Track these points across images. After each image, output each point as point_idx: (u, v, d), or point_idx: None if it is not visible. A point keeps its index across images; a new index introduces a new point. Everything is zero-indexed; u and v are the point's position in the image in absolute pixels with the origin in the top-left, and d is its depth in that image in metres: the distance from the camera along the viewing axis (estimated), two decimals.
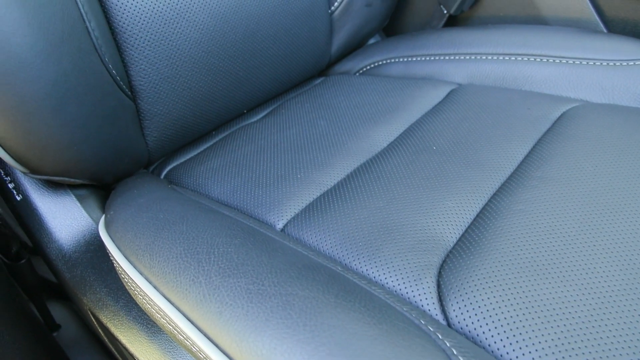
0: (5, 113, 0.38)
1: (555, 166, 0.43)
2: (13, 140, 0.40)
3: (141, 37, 0.48)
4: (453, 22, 0.75)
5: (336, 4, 0.69)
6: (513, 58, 0.61)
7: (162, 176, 0.57)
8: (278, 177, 0.49)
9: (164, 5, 0.49)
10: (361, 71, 0.73)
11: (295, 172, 0.49)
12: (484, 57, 0.63)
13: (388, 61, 0.71)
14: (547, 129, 0.50)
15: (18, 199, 0.46)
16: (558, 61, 0.58)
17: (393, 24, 0.83)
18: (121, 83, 0.47)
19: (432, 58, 0.67)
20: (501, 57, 0.61)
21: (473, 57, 0.63)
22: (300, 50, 0.66)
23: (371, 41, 0.84)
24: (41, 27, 0.37)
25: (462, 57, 0.64)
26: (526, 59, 0.60)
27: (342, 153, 0.51)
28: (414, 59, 0.68)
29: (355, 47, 0.78)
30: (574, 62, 0.57)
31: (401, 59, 0.69)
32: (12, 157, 0.41)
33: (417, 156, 0.48)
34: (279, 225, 0.43)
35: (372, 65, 0.72)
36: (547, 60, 0.59)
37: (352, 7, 0.70)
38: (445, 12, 0.71)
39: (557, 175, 0.42)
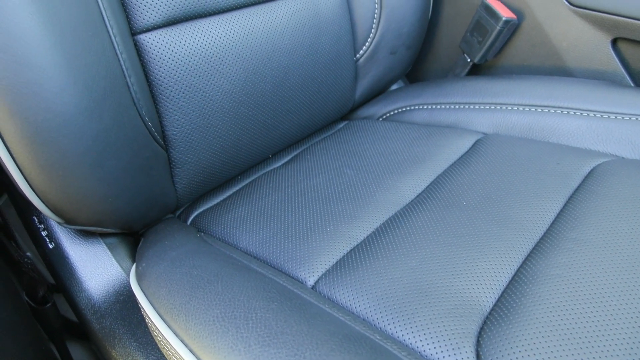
0: (46, 168, 0.38)
1: (590, 227, 0.42)
2: (52, 193, 0.40)
3: (176, 89, 0.49)
4: (476, 70, 0.76)
5: (361, 51, 0.70)
6: (539, 109, 0.61)
7: (189, 222, 0.58)
8: (307, 229, 0.49)
9: (199, 58, 0.50)
10: (384, 117, 0.74)
11: (324, 224, 0.49)
12: (510, 108, 0.63)
13: (412, 108, 0.71)
14: (577, 185, 0.50)
15: (50, 246, 0.47)
16: (585, 114, 0.58)
17: (416, 70, 0.84)
18: (155, 134, 0.48)
19: (457, 106, 0.67)
20: (527, 108, 0.62)
21: (499, 107, 0.64)
22: (326, 96, 0.67)
23: (394, 87, 0.85)
24: (86, 86, 0.38)
25: (488, 107, 0.65)
26: (552, 111, 0.60)
27: (370, 205, 0.51)
28: (439, 106, 0.69)
29: (378, 92, 0.79)
30: (601, 115, 0.57)
31: (425, 106, 0.70)
32: (49, 208, 0.42)
33: (448, 211, 0.48)
34: (310, 281, 0.42)
35: (396, 111, 0.73)
36: (574, 113, 0.59)
37: (377, 55, 0.71)
38: (469, 60, 0.72)
39: (593, 237, 0.41)
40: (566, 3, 0.64)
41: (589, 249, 0.40)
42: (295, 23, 0.59)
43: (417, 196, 0.53)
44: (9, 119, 0.35)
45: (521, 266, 0.40)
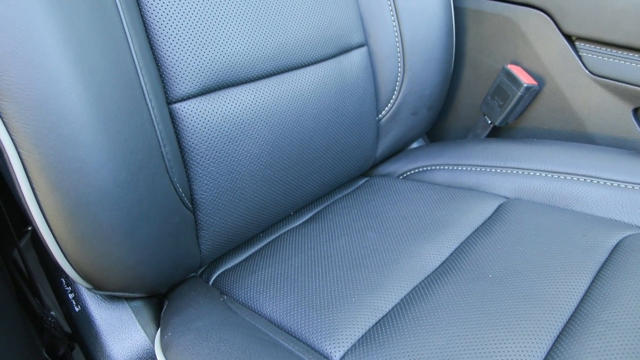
0: (81, 239, 0.39)
1: (620, 309, 0.42)
2: (84, 261, 0.41)
3: (207, 155, 0.50)
4: (497, 132, 0.77)
5: (384, 111, 0.71)
6: (562, 177, 0.61)
7: (211, 281, 0.58)
8: (332, 298, 0.48)
9: (230, 125, 0.51)
10: (405, 175, 0.75)
11: (349, 293, 0.49)
12: (532, 173, 0.63)
13: (433, 168, 0.72)
14: (604, 260, 0.50)
15: (76, 309, 0.47)
16: (609, 184, 0.58)
17: (436, 128, 0.86)
18: (185, 199, 0.49)
19: (479, 169, 0.68)
20: (549, 175, 0.62)
21: (520, 172, 0.64)
22: (348, 156, 0.68)
23: (414, 145, 0.86)
24: (125, 159, 0.40)
25: (509, 171, 0.65)
26: (575, 178, 0.60)
27: (394, 273, 0.51)
28: (460, 168, 0.69)
29: (399, 150, 0.80)
30: (625, 186, 0.57)
31: (446, 167, 0.71)
32: (80, 275, 0.42)
33: (474, 284, 0.47)
34: (337, 355, 0.42)
35: (416, 170, 0.74)
36: (598, 182, 0.59)
37: (399, 115, 0.73)
38: (489, 122, 0.73)
39: (624, 321, 0.40)
40: (587, 72, 0.65)
41: (621, 333, 0.39)
42: (321, 88, 0.60)
43: (441, 264, 0.53)
44: (51, 194, 0.37)
45: (551, 349, 0.40)
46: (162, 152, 0.44)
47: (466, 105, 0.79)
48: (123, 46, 0.40)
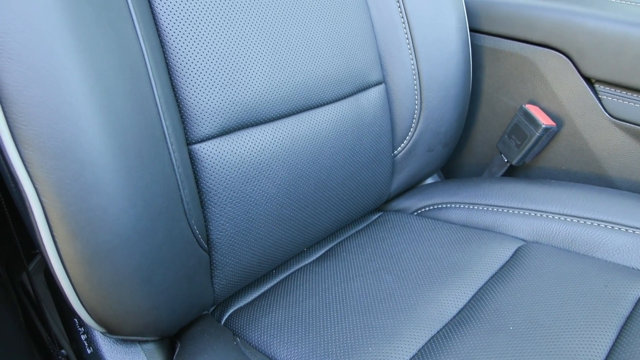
0: (98, 286, 0.39)
1: None
2: (99, 307, 0.40)
3: (225, 196, 0.50)
4: (513, 170, 0.76)
5: (399, 148, 0.71)
6: (582, 221, 0.60)
7: (223, 320, 0.57)
8: (348, 347, 0.47)
9: (248, 166, 0.51)
10: (419, 211, 0.74)
11: (365, 342, 0.48)
12: (550, 216, 0.62)
13: (448, 205, 0.71)
14: (628, 313, 0.48)
15: (88, 351, 0.46)
16: (631, 231, 0.57)
17: (451, 164, 0.85)
18: (201, 240, 0.48)
19: (495, 209, 0.67)
20: (569, 219, 0.61)
21: (539, 215, 0.63)
22: (363, 192, 0.68)
23: (429, 180, 0.85)
24: (145, 206, 0.39)
25: (527, 213, 0.64)
26: (596, 224, 0.59)
27: (412, 321, 0.50)
28: (476, 207, 0.69)
29: (413, 185, 0.79)
30: None
31: (462, 206, 0.70)
32: (94, 320, 0.42)
33: (495, 337, 0.46)
34: None
35: (431, 207, 0.73)
36: (619, 228, 0.58)
37: (415, 151, 0.72)
38: (506, 161, 0.72)
39: None
40: (606, 114, 0.65)
41: None
42: (339, 127, 0.60)
43: (459, 312, 0.51)
44: (71, 242, 0.36)
45: None
46: (181, 195, 0.44)
47: (482, 142, 0.79)
48: (147, 91, 0.40)
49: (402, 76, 0.67)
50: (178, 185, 0.43)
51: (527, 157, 0.70)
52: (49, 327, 0.68)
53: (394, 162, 0.72)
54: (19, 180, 0.34)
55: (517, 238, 0.63)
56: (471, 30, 0.74)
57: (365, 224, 0.74)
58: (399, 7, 0.64)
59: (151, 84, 0.41)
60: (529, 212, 0.64)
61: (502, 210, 0.66)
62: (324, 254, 0.67)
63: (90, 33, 0.35)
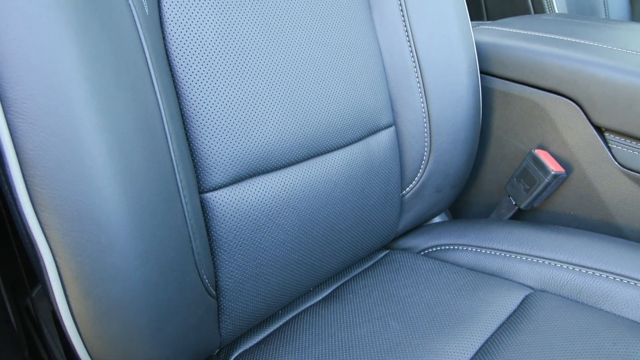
0: (109, 342, 0.39)
1: None
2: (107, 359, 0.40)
3: (234, 244, 0.50)
4: (521, 213, 0.76)
5: (408, 188, 0.71)
6: (590, 272, 0.60)
7: None
8: None
9: (259, 213, 0.51)
10: (426, 252, 0.74)
11: None
12: (559, 265, 0.62)
13: (455, 247, 0.71)
14: None
15: None
16: None
17: (458, 203, 0.85)
18: (210, 288, 0.49)
19: (503, 254, 0.67)
20: (577, 269, 0.61)
21: (547, 262, 0.63)
22: (371, 233, 0.68)
23: (436, 219, 0.85)
24: (157, 262, 0.39)
25: (535, 260, 0.64)
26: (605, 276, 0.59)
27: None
28: (483, 250, 0.69)
29: (420, 224, 0.79)
30: None
31: (469, 248, 0.70)
32: None
33: None
34: None
35: (438, 248, 0.73)
36: (628, 282, 0.58)
37: (423, 192, 0.72)
38: (514, 204, 0.73)
39: None
40: (616, 163, 0.65)
41: None
42: (349, 171, 0.60)
43: None
44: (84, 300, 0.36)
45: None
46: (192, 247, 0.44)
47: (490, 182, 0.79)
48: (163, 146, 0.41)
49: (412, 119, 0.68)
50: (190, 237, 0.44)
51: (536, 202, 0.70)
52: (52, 355, 0.68)
53: (402, 201, 0.72)
54: (35, 242, 0.34)
55: (525, 285, 0.63)
56: (482, 72, 0.75)
57: (371, 262, 0.74)
58: (412, 52, 0.65)
59: (167, 138, 0.41)
60: (537, 259, 0.64)
61: (510, 255, 0.66)
62: (330, 294, 0.67)
63: (110, 95, 0.36)
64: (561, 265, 0.62)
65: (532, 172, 0.69)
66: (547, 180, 0.67)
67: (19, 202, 0.34)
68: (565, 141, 0.68)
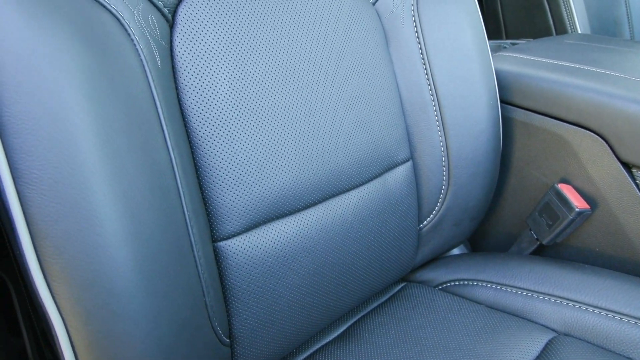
0: None
1: None
2: None
3: (248, 292, 0.49)
4: (542, 247, 0.73)
5: (425, 222, 0.70)
6: (618, 317, 0.58)
7: None
8: None
9: (273, 260, 0.50)
10: (444, 286, 0.72)
11: None
12: (584, 307, 0.60)
13: (474, 283, 0.69)
14: None
15: None
16: None
17: (478, 233, 0.83)
18: (223, 337, 0.48)
19: (525, 293, 0.65)
20: (603, 313, 0.59)
21: (571, 304, 0.61)
22: (388, 269, 0.66)
23: (454, 250, 0.83)
24: (169, 323, 0.39)
25: (559, 301, 0.62)
26: (633, 322, 0.57)
27: None
28: (504, 288, 0.66)
29: (438, 256, 0.77)
30: None
31: (489, 285, 0.68)
32: None
33: None
34: None
35: (457, 283, 0.71)
36: None
37: (441, 226, 0.70)
38: (536, 238, 0.70)
39: None
40: None
41: None
42: (365, 210, 0.59)
43: None
44: None
45: None
46: (205, 301, 0.43)
47: (510, 213, 0.77)
48: (176, 204, 0.40)
49: (430, 153, 0.66)
50: (203, 291, 0.43)
51: (559, 238, 0.68)
52: None
53: (419, 235, 0.70)
54: (47, 310, 0.34)
55: (548, 328, 0.61)
56: (502, 101, 0.73)
57: (387, 296, 0.72)
58: (430, 87, 0.63)
59: (179, 194, 0.41)
60: (561, 300, 0.62)
61: (532, 294, 0.64)
62: (345, 331, 0.65)
63: (122, 159, 0.35)
64: (586, 308, 0.60)
65: (555, 207, 0.67)
66: (571, 217, 0.64)
67: (30, 272, 0.33)
68: (589, 176, 0.66)
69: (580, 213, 0.64)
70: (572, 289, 0.62)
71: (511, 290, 0.66)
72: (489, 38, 0.70)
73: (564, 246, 0.72)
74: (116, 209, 0.34)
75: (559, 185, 0.67)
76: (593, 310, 0.59)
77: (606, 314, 0.58)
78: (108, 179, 0.34)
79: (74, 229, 0.33)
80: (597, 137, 0.64)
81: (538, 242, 0.71)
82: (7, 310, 0.71)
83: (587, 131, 0.65)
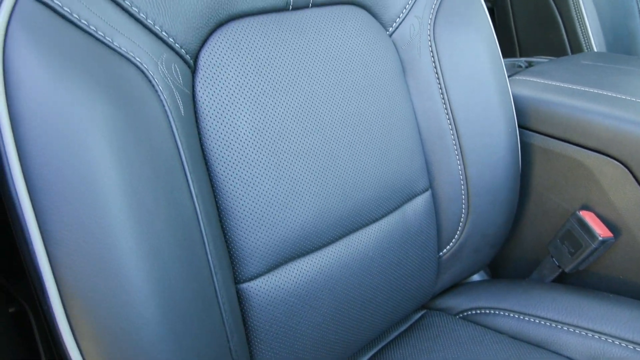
0: None
1: None
2: None
3: (271, 332, 0.49)
4: (564, 274, 0.72)
5: (445, 250, 0.69)
6: None
7: None
8: None
9: (295, 299, 0.50)
10: (465, 314, 0.71)
11: None
12: (610, 340, 0.59)
13: (497, 312, 0.68)
14: None
15: None
16: None
17: (498, 259, 0.82)
18: None
19: (548, 323, 0.64)
20: (630, 346, 0.57)
21: (596, 336, 0.60)
22: (408, 299, 0.66)
23: (475, 277, 0.83)
24: None
25: (584, 333, 0.61)
26: None
27: None
28: (527, 318, 0.65)
29: (458, 283, 0.76)
30: None
31: (512, 314, 0.67)
32: None
33: None
34: None
35: (478, 312, 0.70)
36: None
37: (461, 253, 0.70)
38: (558, 265, 0.69)
39: None
40: None
41: None
42: (385, 243, 0.59)
43: None
44: None
45: None
46: (229, 347, 0.43)
47: (531, 239, 0.76)
48: (200, 252, 0.40)
49: (449, 181, 0.66)
50: (227, 337, 0.43)
51: (581, 266, 0.67)
52: None
53: (439, 262, 0.69)
54: None
55: None
56: (520, 126, 0.72)
57: (408, 324, 0.72)
58: (448, 115, 0.63)
59: (204, 242, 0.41)
60: (586, 331, 0.61)
61: (556, 325, 0.63)
62: None
63: (148, 213, 0.35)
64: (612, 341, 0.59)
65: (577, 235, 0.66)
66: (594, 246, 0.63)
67: (60, 331, 0.33)
68: (612, 203, 0.65)
69: (603, 242, 0.63)
70: (598, 320, 0.61)
71: (534, 320, 0.65)
72: (503, 55, 0.70)
73: (587, 273, 0.71)
74: (144, 266, 0.34)
75: (581, 212, 0.66)
76: (620, 344, 0.58)
77: (633, 348, 0.57)
78: (136, 237, 0.34)
79: (102, 288, 0.33)
80: (619, 164, 0.63)
81: (560, 270, 0.70)
82: (27, 339, 0.72)
83: (609, 158, 0.64)
